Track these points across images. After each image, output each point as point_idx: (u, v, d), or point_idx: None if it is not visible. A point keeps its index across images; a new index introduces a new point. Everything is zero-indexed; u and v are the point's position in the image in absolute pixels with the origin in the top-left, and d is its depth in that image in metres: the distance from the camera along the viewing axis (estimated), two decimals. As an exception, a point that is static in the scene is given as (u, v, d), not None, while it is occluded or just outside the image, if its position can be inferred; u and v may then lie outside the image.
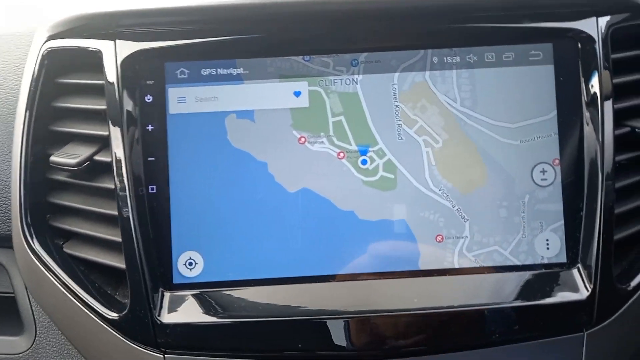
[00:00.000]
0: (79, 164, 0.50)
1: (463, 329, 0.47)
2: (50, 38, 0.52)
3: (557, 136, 0.50)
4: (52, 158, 0.51)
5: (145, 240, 0.48)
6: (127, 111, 0.50)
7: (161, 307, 0.48)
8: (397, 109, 0.50)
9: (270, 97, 0.50)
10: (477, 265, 0.50)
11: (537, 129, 0.50)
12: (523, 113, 0.50)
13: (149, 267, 0.48)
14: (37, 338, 0.58)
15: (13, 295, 0.59)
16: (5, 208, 0.58)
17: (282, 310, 0.48)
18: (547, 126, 0.50)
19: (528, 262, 0.50)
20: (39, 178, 0.53)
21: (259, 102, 0.50)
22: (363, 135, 0.50)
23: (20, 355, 0.57)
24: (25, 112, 0.53)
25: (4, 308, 0.61)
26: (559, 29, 0.50)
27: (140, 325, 0.47)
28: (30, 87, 0.53)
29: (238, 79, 0.50)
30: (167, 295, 0.49)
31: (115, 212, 0.50)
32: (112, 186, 0.50)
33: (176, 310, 0.48)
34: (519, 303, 0.48)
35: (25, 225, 0.52)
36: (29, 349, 0.58)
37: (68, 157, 0.51)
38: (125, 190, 0.48)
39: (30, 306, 0.58)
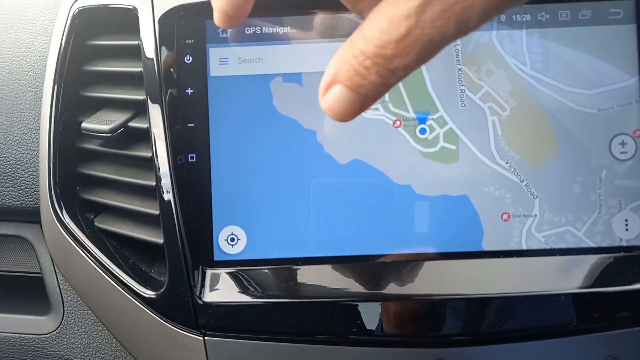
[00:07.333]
0: (112, 130, 0.47)
1: (534, 316, 0.42)
2: (82, -4, 0.49)
3: (638, 104, 0.45)
4: (84, 124, 0.48)
5: (185, 213, 0.44)
6: (165, 73, 0.45)
7: (202, 285, 0.44)
8: (460, 72, 0.45)
9: (319, 58, 0.46)
10: (547, 247, 0.45)
11: (616, 96, 0.45)
12: (600, 78, 0.45)
13: (189, 242, 0.44)
14: (64, 318, 0.54)
15: (40, 274, 0.56)
16: (32, 179, 0.55)
17: (331, 291, 0.44)
18: (628, 93, 0.45)
19: (604, 244, 0.45)
20: (69, 147, 0.50)
21: (307, 65, 0.46)
22: (422, 101, 0.46)
23: (47, 335, 0.54)
24: (55, 76, 0.49)
25: (29, 287, 0.58)
26: (643, -16, 0.45)
27: (179, 304, 0.43)
28: (59, 50, 0.49)
29: (285, 38, 0.46)
30: (208, 272, 0.45)
31: (152, 183, 0.46)
32: (148, 154, 0.46)
33: (218, 289, 0.44)
34: (595, 289, 0.43)
35: (54, 198, 0.49)
36: (56, 329, 0.54)
37: (101, 123, 0.47)
38: (163, 159, 0.45)
39: (58, 285, 0.55)
